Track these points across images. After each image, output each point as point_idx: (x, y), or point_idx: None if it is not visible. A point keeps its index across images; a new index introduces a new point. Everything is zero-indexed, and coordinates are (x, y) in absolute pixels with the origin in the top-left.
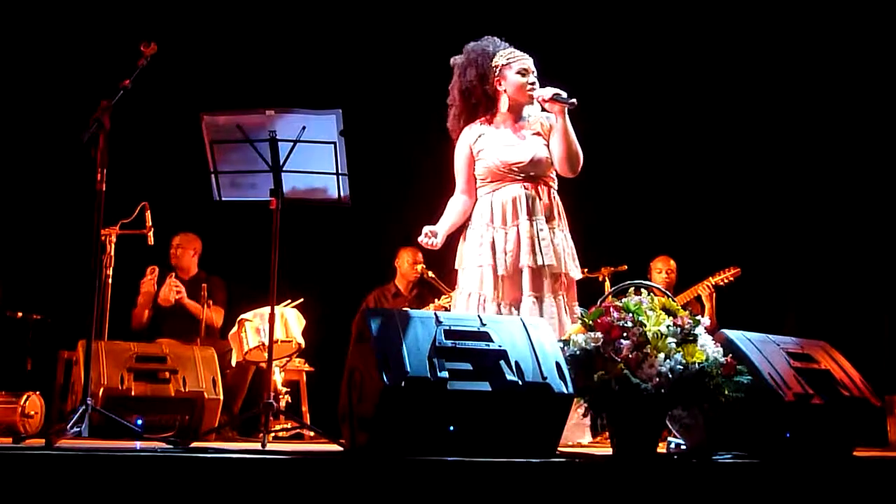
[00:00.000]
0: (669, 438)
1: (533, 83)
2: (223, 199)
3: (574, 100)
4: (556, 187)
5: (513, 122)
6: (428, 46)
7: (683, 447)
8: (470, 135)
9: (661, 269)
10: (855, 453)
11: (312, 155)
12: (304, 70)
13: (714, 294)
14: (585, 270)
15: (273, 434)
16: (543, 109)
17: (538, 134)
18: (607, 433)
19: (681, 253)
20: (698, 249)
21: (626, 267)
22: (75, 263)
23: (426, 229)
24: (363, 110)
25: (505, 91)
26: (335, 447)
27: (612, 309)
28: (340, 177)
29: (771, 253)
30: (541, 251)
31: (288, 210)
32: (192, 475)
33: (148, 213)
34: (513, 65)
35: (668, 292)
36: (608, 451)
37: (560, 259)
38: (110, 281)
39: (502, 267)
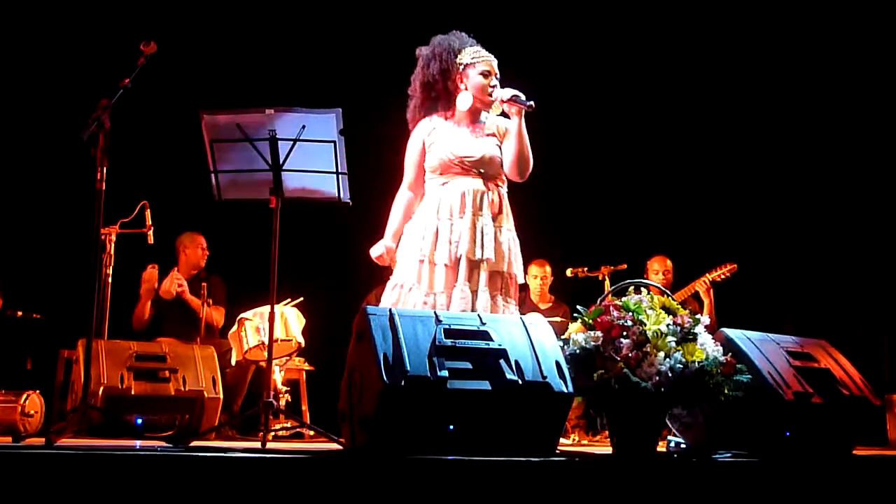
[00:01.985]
0: (669, 437)
1: (494, 85)
2: (223, 198)
3: (532, 102)
4: (505, 189)
5: (469, 120)
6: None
7: (683, 446)
8: (425, 127)
9: (658, 270)
10: (854, 452)
11: (312, 154)
12: (304, 69)
13: (711, 290)
14: (585, 269)
15: (273, 433)
16: (502, 114)
17: (492, 135)
18: (607, 432)
19: (679, 252)
20: (696, 249)
21: (625, 266)
22: (75, 263)
23: (382, 248)
24: (363, 109)
25: (466, 89)
26: (335, 446)
27: (611, 308)
28: (340, 176)
29: (770, 252)
30: (482, 245)
31: (288, 209)
32: (192, 474)
33: (148, 212)
34: (477, 65)
35: (667, 291)
36: (608, 449)
37: (503, 257)
38: (110, 280)
39: (445, 256)
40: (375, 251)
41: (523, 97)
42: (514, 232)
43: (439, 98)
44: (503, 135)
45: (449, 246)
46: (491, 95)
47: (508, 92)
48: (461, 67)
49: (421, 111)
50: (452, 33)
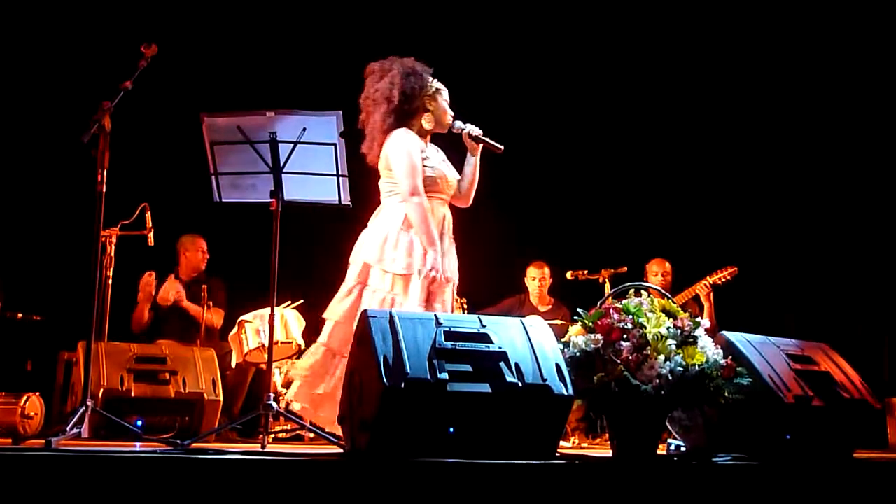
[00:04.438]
0: (669, 440)
1: (452, 115)
2: (223, 200)
3: (502, 146)
4: None
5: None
6: (427, 47)
7: (683, 449)
8: (416, 139)
9: (657, 272)
10: (855, 455)
11: (313, 156)
12: (305, 71)
13: (712, 293)
14: (586, 272)
15: (273, 435)
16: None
17: None
18: (607, 435)
19: (679, 255)
20: (697, 251)
21: (626, 269)
22: (75, 264)
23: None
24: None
25: (432, 112)
26: (335, 449)
27: (612, 311)
28: (341, 178)
29: (770, 255)
30: (454, 267)
31: (288, 211)
32: (192, 476)
33: (148, 215)
34: (443, 92)
35: (667, 294)
36: (608, 452)
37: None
38: (110, 282)
39: (441, 274)
40: (433, 262)
41: (490, 140)
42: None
43: (408, 114)
44: None
45: (442, 264)
46: (456, 123)
47: (478, 130)
48: (432, 90)
49: (391, 120)
50: (411, 59)
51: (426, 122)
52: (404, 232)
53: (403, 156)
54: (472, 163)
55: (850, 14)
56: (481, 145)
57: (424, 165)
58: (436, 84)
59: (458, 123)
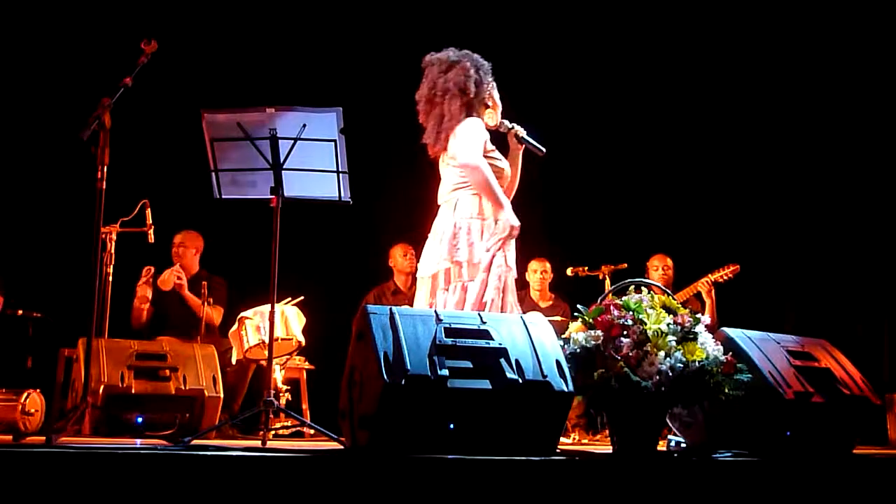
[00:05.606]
0: (670, 436)
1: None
2: (223, 196)
3: (544, 149)
4: None
5: None
6: (428, 46)
7: (684, 445)
8: (485, 130)
9: (658, 267)
10: (855, 451)
11: (313, 153)
12: (305, 68)
13: (713, 290)
14: (586, 268)
15: (273, 432)
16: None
17: None
18: (607, 431)
19: (680, 252)
20: (697, 248)
21: (626, 265)
22: (76, 261)
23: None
24: (363, 109)
25: (490, 107)
26: (335, 445)
27: (612, 307)
28: (341, 175)
29: (771, 251)
30: (512, 258)
31: (288, 208)
32: (193, 473)
33: (148, 211)
34: (495, 88)
35: (667, 290)
36: (608, 449)
37: None
38: (111, 279)
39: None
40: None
41: (534, 143)
42: None
43: (478, 105)
44: None
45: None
46: (505, 122)
47: (524, 131)
48: (491, 86)
49: (468, 112)
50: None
51: (489, 118)
52: (489, 221)
53: (470, 133)
54: (517, 163)
55: (849, 14)
56: (524, 146)
57: (495, 157)
58: (492, 78)
59: (507, 122)
